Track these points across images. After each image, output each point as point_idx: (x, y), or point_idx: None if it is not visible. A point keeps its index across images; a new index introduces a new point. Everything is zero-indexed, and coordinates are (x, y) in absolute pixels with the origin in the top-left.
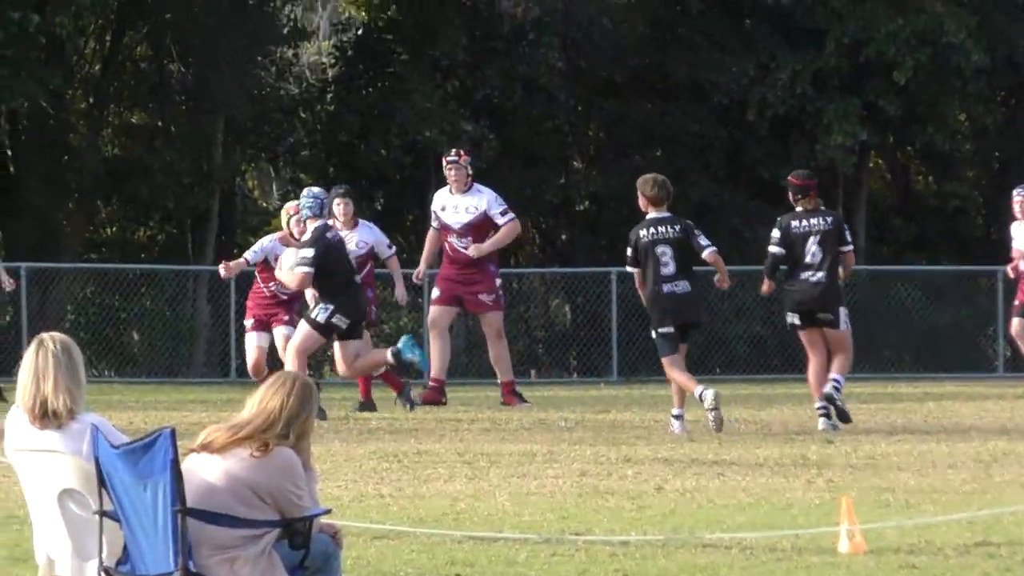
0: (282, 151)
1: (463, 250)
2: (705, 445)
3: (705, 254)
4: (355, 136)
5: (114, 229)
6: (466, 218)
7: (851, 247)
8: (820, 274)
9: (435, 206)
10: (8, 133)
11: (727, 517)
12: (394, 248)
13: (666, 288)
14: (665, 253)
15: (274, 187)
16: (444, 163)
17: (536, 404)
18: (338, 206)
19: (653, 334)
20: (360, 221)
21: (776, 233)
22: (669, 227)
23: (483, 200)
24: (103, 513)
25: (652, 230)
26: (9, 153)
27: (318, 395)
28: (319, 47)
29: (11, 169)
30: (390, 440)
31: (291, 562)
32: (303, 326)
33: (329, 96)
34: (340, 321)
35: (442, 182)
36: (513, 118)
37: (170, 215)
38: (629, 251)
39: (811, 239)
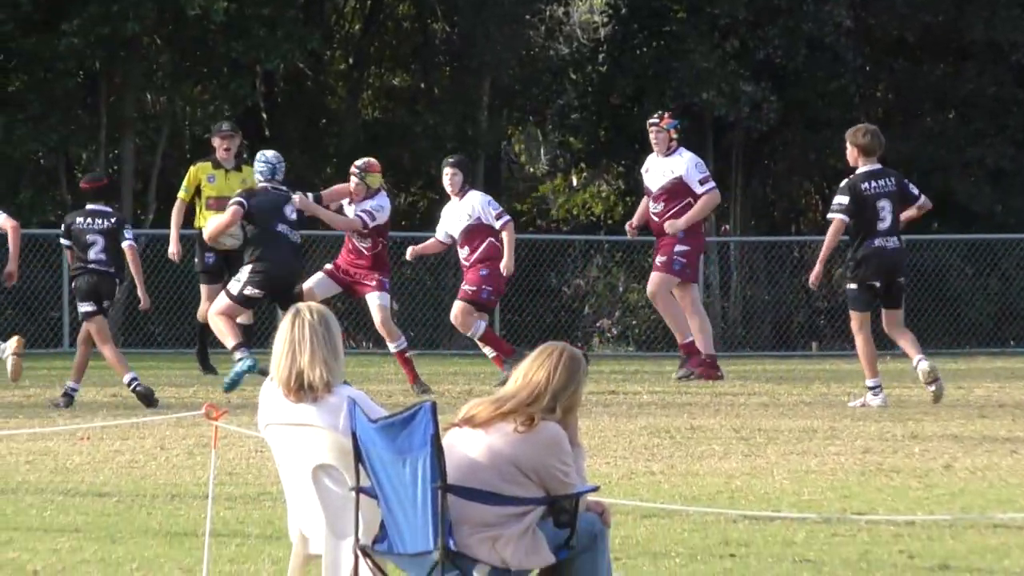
0: (551, 114)
1: (655, 217)
2: (997, 421)
3: (921, 201)
4: (628, 99)
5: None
6: (661, 181)
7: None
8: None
9: (643, 168)
10: (264, 96)
11: (1020, 496)
12: (506, 219)
13: (877, 242)
14: (884, 208)
15: (542, 152)
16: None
17: (817, 378)
18: (447, 175)
19: (852, 286)
20: (470, 190)
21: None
22: (887, 180)
23: (682, 165)
24: (359, 489)
25: (873, 183)
26: (265, 117)
27: (586, 367)
28: (591, 5)
29: (267, 133)
30: (662, 415)
31: (556, 541)
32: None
33: (601, 56)
34: (252, 292)
35: (716, 145)
36: (796, 79)
37: (432, 181)
38: (845, 199)
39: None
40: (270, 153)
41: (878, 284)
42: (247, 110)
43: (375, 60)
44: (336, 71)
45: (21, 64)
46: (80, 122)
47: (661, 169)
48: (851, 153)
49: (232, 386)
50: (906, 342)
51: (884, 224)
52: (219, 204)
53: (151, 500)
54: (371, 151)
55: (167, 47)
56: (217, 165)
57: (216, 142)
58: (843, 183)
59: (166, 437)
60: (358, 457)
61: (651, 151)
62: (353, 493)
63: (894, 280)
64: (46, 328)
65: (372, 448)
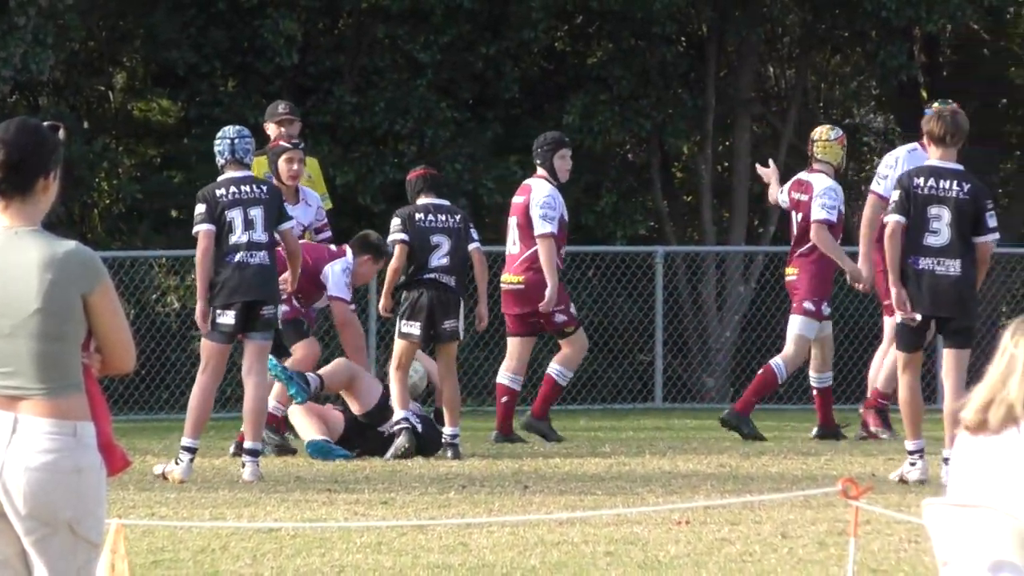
0: None
1: None
2: None
3: (979, 240)
4: None
5: None
6: None
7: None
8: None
9: None
10: (925, 68)
11: None
12: None
13: (920, 264)
14: (940, 217)
15: None
16: None
17: None
18: (561, 159)
19: (897, 318)
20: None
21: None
22: (953, 183)
23: None
24: None
25: (931, 182)
26: (925, 95)
27: None
28: None
29: None
30: None
31: None
32: None
33: None
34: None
35: None
36: None
37: None
38: (899, 194)
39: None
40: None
41: (919, 317)
42: (901, 87)
43: None
44: (1022, 33)
45: (606, 30)
46: (680, 104)
47: None
48: (926, 142)
49: None
50: None
51: (939, 239)
52: None
53: None
54: None
55: (795, 5)
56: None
57: (271, 129)
58: (903, 173)
59: (789, 522)
60: None
61: None
62: None
63: (944, 315)
64: None
65: None
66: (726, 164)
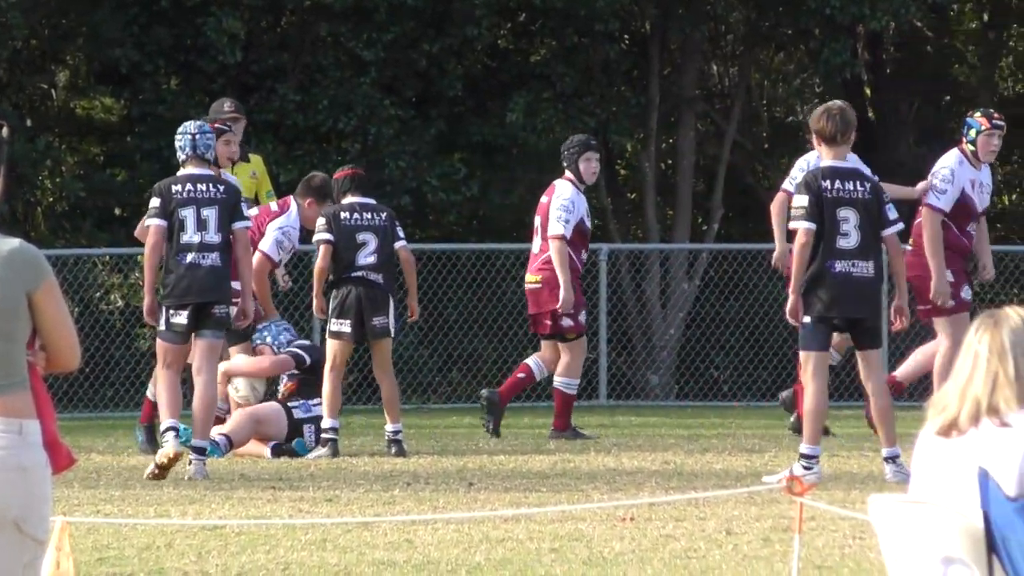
0: None
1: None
2: None
3: (885, 232)
4: None
5: (1006, 200)
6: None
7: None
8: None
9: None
10: (869, 66)
11: None
12: None
13: (838, 267)
14: (848, 220)
15: None
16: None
17: None
18: (587, 162)
19: (805, 319)
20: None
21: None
22: (856, 184)
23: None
24: None
25: (837, 183)
26: (869, 93)
27: None
28: None
29: (870, 114)
30: None
31: None
32: None
33: None
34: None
35: None
36: None
37: None
38: (805, 201)
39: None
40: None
41: (835, 318)
42: (845, 84)
43: (1018, 15)
44: (965, 31)
45: (549, 27)
46: (624, 102)
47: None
48: (815, 142)
49: None
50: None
51: (848, 242)
52: None
53: None
54: (1009, 136)
55: (739, 2)
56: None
57: (216, 126)
58: (804, 177)
59: (734, 518)
60: (992, 547)
61: None
62: None
63: (858, 316)
64: None
65: (1011, 535)
66: (670, 161)
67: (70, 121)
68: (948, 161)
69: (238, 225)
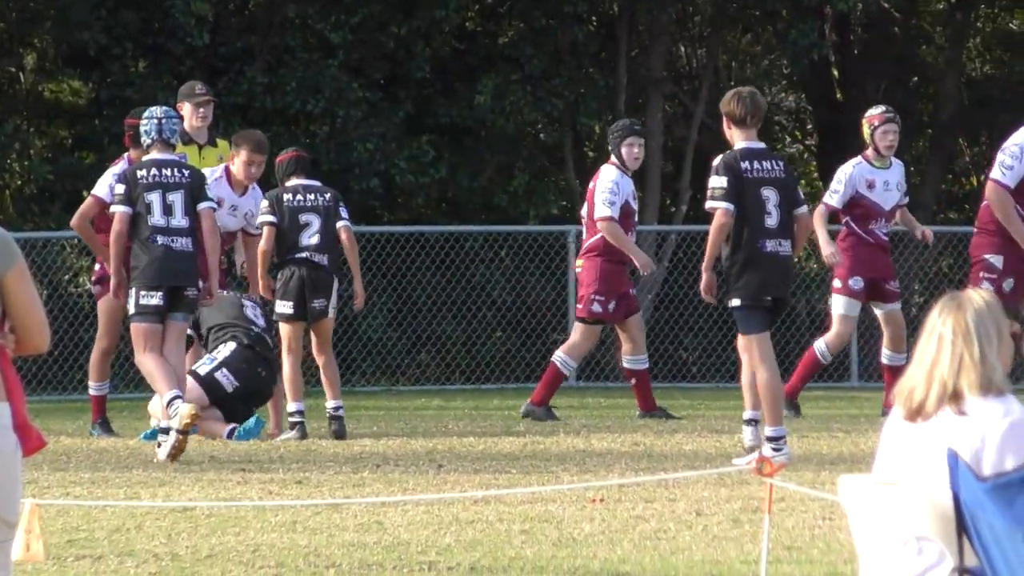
0: None
1: None
2: None
3: (798, 211)
4: None
5: (975, 181)
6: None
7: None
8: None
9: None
10: (836, 48)
11: None
12: None
13: (768, 246)
14: (769, 199)
15: None
16: None
17: None
18: (628, 147)
19: (732, 302)
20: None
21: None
22: (772, 164)
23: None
24: (965, 571)
25: (755, 164)
26: (836, 74)
27: None
28: None
29: (838, 95)
30: None
31: None
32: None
33: None
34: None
35: None
36: None
37: None
38: (724, 182)
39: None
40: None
41: (770, 300)
42: (813, 65)
43: None
44: (933, 12)
45: (516, 10)
46: (592, 84)
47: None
48: (725, 125)
49: None
50: None
51: (772, 221)
52: None
53: None
54: (977, 116)
55: None
56: (188, 140)
57: (186, 109)
58: (721, 160)
59: (703, 499)
60: (962, 528)
61: None
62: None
63: (783, 296)
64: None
65: (981, 515)
66: None
67: (38, 104)
68: (1020, 137)
69: (203, 206)
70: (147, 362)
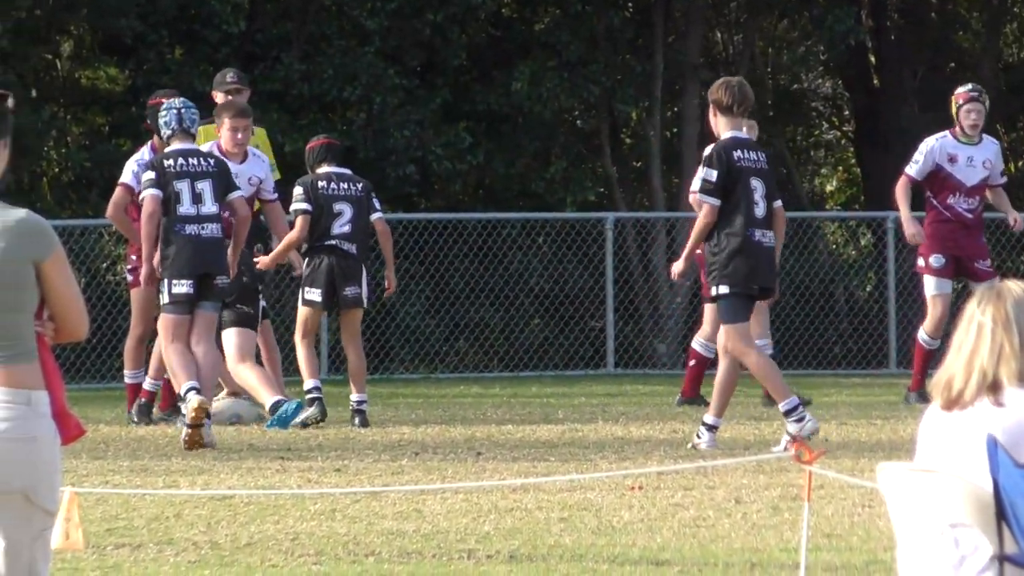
0: None
1: None
2: None
3: (780, 205)
4: None
5: (1012, 167)
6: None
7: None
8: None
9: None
10: (872, 33)
11: None
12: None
13: (756, 236)
14: (757, 189)
15: None
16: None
17: None
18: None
19: (719, 290)
20: None
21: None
22: (758, 154)
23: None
24: (1005, 558)
25: (745, 154)
26: (873, 60)
27: None
28: None
29: (875, 82)
30: None
31: None
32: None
33: None
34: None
35: None
36: None
37: None
38: (715, 175)
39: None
40: (177, 99)
41: (756, 290)
42: (849, 51)
43: None
44: None
45: None
46: (629, 70)
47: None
48: (712, 115)
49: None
50: None
51: (759, 211)
52: None
53: (724, 569)
54: (1015, 102)
55: None
56: None
57: (219, 97)
58: (713, 149)
59: (743, 487)
60: (1002, 515)
61: None
62: (996, 563)
63: (770, 286)
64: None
65: (1020, 502)
66: (675, 130)
67: (75, 91)
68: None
69: (234, 195)
70: (171, 353)
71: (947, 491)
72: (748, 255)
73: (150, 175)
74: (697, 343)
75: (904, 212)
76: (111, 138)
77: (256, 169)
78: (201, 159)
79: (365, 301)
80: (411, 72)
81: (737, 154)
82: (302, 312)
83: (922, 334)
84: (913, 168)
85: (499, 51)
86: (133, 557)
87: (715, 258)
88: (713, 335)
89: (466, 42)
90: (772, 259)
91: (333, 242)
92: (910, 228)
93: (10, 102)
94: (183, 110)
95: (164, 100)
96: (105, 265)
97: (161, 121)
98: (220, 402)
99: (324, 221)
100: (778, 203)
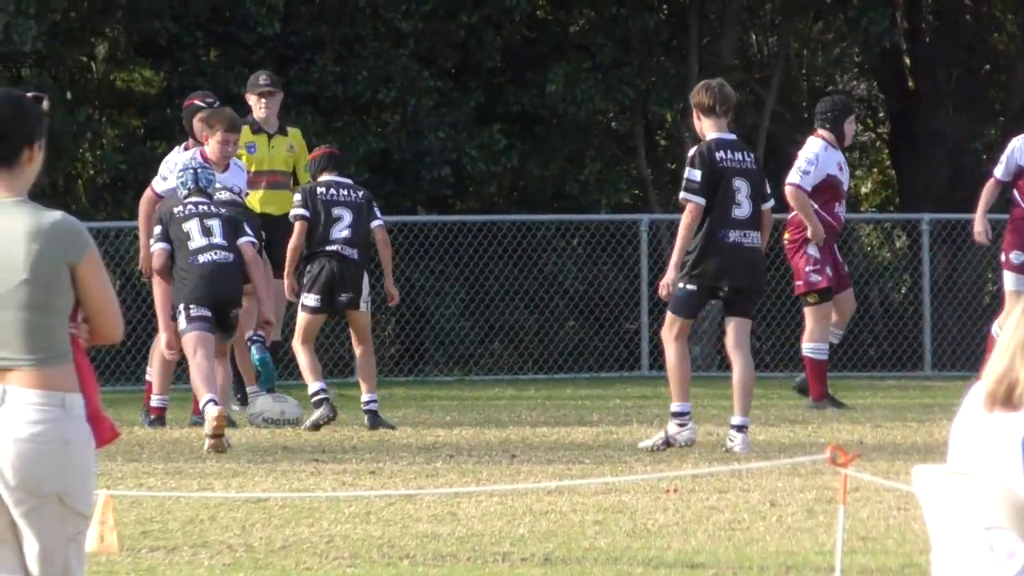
0: None
1: None
2: None
3: (768, 207)
4: None
5: None
6: None
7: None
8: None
9: None
10: (907, 35)
11: None
12: None
13: (732, 237)
14: (741, 190)
15: None
16: None
17: None
18: (850, 124)
19: (686, 288)
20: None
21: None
22: (743, 155)
23: None
24: None
25: (729, 154)
26: (908, 62)
27: None
28: None
29: (910, 84)
30: None
31: None
32: None
33: None
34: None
35: None
36: None
37: None
38: (699, 175)
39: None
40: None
41: (725, 289)
42: (884, 53)
43: None
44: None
45: None
46: (663, 72)
47: None
48: (695, 116)
49: None
50: None
51: (742, 212)
52: (265, 180)
53: (759, 572)
54: None
55: None
56: (257, 129)
57: (251, 99)
58: (695, 152)
59: (778, 489)
60: None
61: None
62: None
63: (747, 286)
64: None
65: None
66: None
67: (110, 93)
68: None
69: (243, 240)
70: (192, 368)
71: (982, 494)
72: (719, 255)
73: (157, 229)
74: (804, 349)
75: (978, 211)
76: (146, 140)
77: (237, 179)
78: (211, 206)
79: (363, 305)
80: (445, 74)
81: (720, 155)
82: (301, 318)
83: (995, 328)
84: (999, 170)
85: (533, 53)
86: (168, 560)
87: (687, 256)
88: (841, 322)
89: (500, 44)
90: (750, 259)
91: (334, 247)
92: (977, 226)
93: (45, 104)
94: (199, 170)
95: (198, 100)
96: (140, 267)
97: (179, 182)
98: (262, 398)
99: (324, 227)
100: (767, 204)
